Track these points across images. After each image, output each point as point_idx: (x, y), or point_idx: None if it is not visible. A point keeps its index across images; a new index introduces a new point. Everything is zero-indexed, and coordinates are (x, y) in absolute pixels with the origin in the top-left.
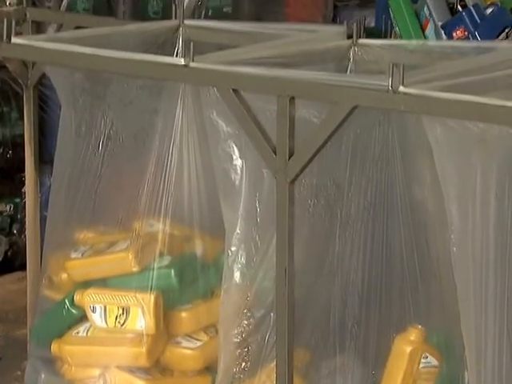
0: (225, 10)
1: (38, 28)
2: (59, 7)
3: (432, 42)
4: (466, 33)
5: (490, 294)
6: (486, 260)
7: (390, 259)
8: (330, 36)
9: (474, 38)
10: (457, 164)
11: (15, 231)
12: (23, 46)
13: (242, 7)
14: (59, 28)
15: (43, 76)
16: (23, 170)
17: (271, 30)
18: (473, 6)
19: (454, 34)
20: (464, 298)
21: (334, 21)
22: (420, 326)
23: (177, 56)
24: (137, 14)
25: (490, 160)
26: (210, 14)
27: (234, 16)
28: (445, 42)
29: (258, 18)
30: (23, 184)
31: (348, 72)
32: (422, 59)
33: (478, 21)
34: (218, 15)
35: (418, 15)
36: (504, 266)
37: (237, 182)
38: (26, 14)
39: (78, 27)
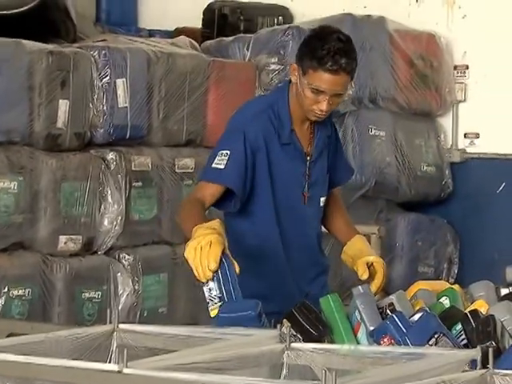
0: (160, 310)
1: None
2: None
3: (364, 347)
4: (393, 340)
5: None
6: None
7: None
8: (264, 340)
9: (405, 343)
10: None
11: None
12: None
13: (178, 307)
14: None
15: None
16: None
17: (205, 334)
18: (396, 315)
19: (382, 342)
20: None
21: None
22: None
23: (110, 362)
24: (71, 317)
25: None
26: (145, 315)
27: (169, 316)
28: (376, 347)
29: (193, 317)
30: None
31: (282, 377)
32: (355, 364)
33: (403, 328)
34: (154, 316)
35: (349, 318)
36: None
37: None
38: None
39: (11, 334)
